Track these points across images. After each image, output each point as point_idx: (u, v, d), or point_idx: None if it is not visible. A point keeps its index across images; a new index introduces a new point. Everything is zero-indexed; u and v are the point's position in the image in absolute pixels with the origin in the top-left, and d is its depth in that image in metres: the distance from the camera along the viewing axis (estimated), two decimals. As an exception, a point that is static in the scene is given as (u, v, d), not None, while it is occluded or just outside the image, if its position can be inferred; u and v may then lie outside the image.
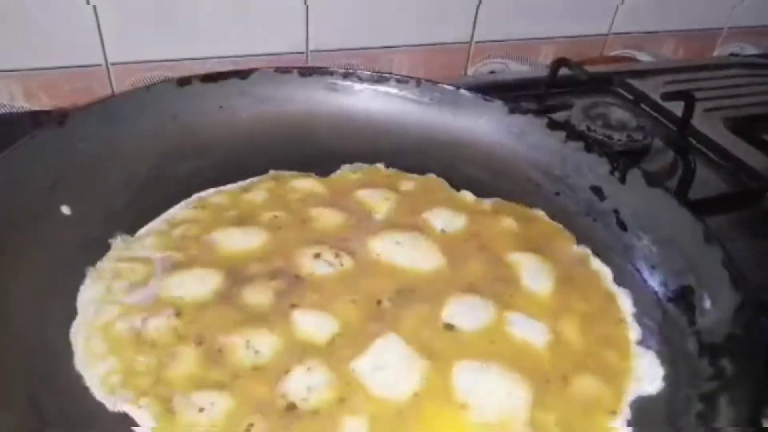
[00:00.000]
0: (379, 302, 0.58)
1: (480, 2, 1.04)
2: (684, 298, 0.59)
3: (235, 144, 0.77)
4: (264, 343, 0.52)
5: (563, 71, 1.04)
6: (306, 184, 0.74)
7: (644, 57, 1.26)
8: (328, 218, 0.68)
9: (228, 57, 0.98)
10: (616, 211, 0.71)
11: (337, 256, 0.62)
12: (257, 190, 0.72)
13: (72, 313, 0.54)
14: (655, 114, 1.09)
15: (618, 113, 0.98)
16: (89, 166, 0.65)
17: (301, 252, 0.62)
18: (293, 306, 0.56)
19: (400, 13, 1.03)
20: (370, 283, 0.60)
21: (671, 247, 0.64)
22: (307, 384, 0.50)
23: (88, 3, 0.87)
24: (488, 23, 1.10)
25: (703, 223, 0.61)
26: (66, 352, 0.51)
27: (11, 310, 0.50)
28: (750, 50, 1.39)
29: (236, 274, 0.59)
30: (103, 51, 0.91)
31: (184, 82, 0.77)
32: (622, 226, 0.69)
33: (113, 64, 0.93)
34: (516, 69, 1.22)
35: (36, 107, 0.92)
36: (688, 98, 1.00)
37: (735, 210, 0.91)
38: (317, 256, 0.62)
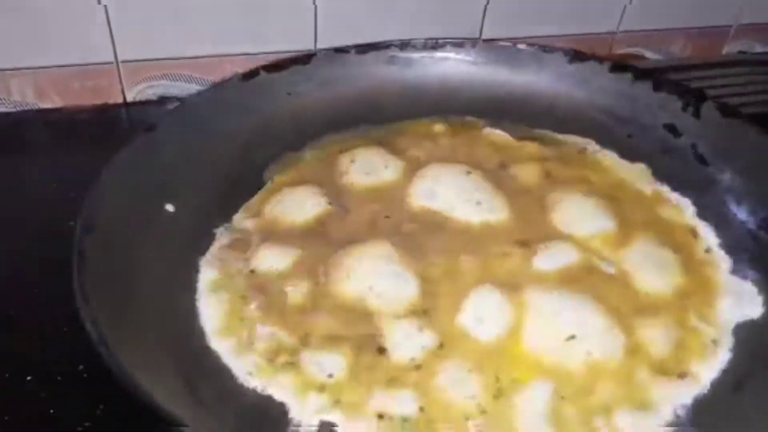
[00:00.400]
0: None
1: (488, 1, 1.01)
2: (776, 224, 0.59)
3: (305, 127, 0.80)
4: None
5: None
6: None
7: (652, 55, 1.23)
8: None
9: (239, 55, 0.95)
10: (693, 147, 0.70)
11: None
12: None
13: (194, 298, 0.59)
14: None
15: None
16: (180, 166, 0.69)
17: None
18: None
19: (407, 12, 1.01)
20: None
21: (756, 175, 0.63)
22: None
23: (99, 2, 0.86)
24: (496, 22, 1.07)
25: (788, 147, 0.61)
26: (200, 332, 0.56)
27: (144, 299, 0.55)
28: (759, 48, 1.33)
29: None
30: (114, 49, 0.91)
31: (250, 75, 0.80)
32: (702, 161, 0.69)
33: (124, 62, 0.93)
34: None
35: (47, 105, 0.93)
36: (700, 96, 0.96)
37: None
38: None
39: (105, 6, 0.87)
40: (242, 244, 0.64)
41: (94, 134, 0.88)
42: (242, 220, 0.68)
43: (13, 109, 0.92)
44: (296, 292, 0.58)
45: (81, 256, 0.53)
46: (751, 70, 1.22)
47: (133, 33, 0.90)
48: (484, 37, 1.16)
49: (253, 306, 0.57)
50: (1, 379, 0.58)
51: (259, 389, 0.51)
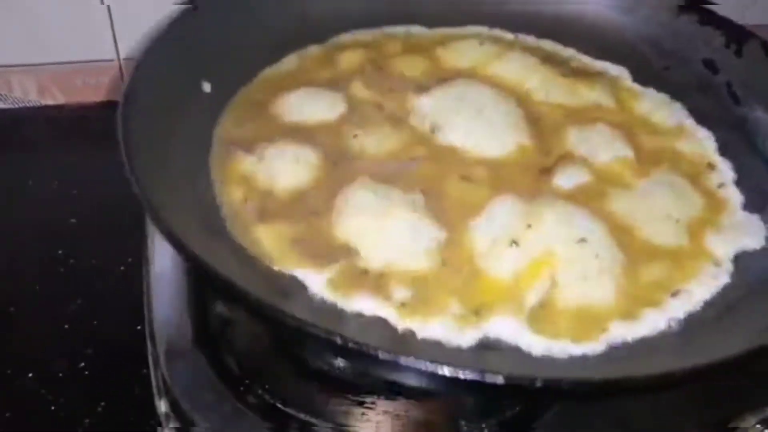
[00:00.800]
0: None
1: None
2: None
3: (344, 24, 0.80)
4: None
5: None
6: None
7: None
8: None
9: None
10: (728, 84, 0.70)
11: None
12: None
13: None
14: None
15: None
16: (220, 46, 0.71)
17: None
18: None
19: None
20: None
21: (787, 117, 0.63)
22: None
23: (102, 2, 0.85)
24: None
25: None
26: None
27: (175, 170, 0.57)
28: None
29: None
30: (116, 46, 0.89)
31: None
32: (735, 99, 0.69)
33: (126, 59, 0.91)
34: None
35: (49, 101, 0.92)
36: None
37: None
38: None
39: (107, 2, 0.85)
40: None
41: (97, 131, 0.82)
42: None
43: (15, 106, 0.92)
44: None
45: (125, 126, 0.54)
46: None
47: (135, 29, 0.83)
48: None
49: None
50: (2, 376, 0.59)
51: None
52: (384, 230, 0.55)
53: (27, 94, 0.92)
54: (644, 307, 0.52)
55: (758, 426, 0.56)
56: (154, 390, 0.55)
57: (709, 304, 0.53)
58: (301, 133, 0.65)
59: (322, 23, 0.79)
